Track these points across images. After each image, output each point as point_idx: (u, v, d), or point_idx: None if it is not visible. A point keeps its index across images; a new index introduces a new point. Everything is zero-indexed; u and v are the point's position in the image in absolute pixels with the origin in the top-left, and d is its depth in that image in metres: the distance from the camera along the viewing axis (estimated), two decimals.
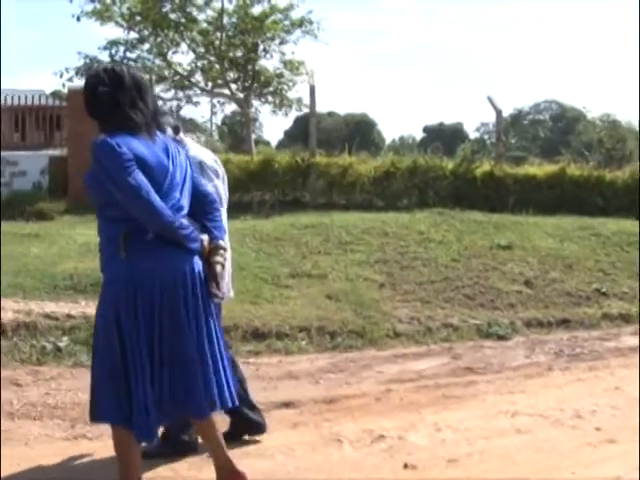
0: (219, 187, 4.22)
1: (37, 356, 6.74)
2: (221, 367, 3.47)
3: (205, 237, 3.45)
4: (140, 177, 3.21)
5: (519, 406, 5.50)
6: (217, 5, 23.09)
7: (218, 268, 3.43)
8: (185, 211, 3.40)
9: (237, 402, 3.64)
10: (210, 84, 25.49)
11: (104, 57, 23.85)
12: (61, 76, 23.11)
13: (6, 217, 12.59)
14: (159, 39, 23.58)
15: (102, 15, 22.69)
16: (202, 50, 24.25)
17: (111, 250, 3.38)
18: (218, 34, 23.26)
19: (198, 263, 3.40)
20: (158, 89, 25.21)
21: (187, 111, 30.54)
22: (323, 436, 4.81)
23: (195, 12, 23.36)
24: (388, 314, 8.22)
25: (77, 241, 10.32)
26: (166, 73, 24.58)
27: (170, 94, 25.75)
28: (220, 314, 4.12)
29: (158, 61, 24.32)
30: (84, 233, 10.91)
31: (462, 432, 4.92)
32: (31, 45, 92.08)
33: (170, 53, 24.11)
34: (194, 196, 3.50)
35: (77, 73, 23.26)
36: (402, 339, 7.79)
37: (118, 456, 3.49)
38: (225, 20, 23.19)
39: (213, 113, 34.57)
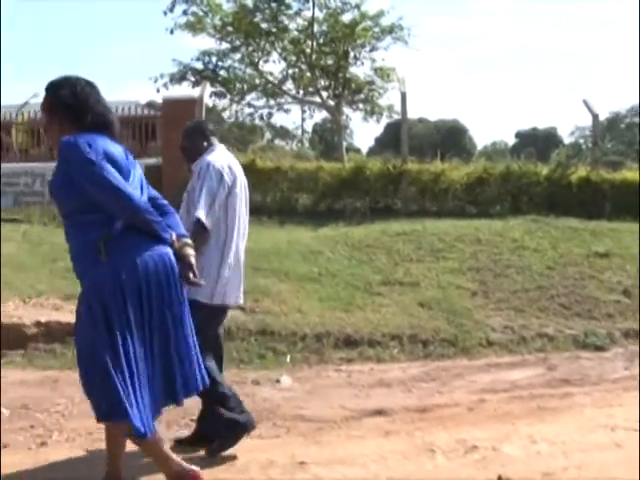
0: (215, 189, 4.31)
1: None
2: (194, 352, 3.52)
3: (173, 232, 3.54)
4: (111, 170, 3.29)
5: (617, 420, 5.32)
6: (308, 14, 23.26)
7: (192, 259, 3.51)
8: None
9: (207, 382, 3.64)
10: (301, 92, 25.69)
11: (197, 66, 24.40)
12: (155, 81, 23.77)
13: None
14: (250, 48, 23.91)
15: (195, 27, 23.15)
16: (293, 58, 24.46)
17: (90, 256, 3.37)
18: (309, 42, 23.42)
19: (170, 256, 3.45)
20: (249, 98, 25.59)
21: (278, 119, 30.86)
22: (416, 445, 4.75)
23: (286, 21, 23.58)
24: (481, 323, 8.10)
25: None
26: (257, 82, 24.89)
27: (261, 102, 26.09)
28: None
29: (249, 70, 24.65)
30: None
31: (558, 445, 4.78)
32: (126, 58, 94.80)
33: (261, 62, 24.42)
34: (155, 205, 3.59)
35: (171, 80, 23.85)
36: (495, 348, 7.67)
37: (109, 450, 3.62)
38: (316, 28, 23.33)
39: (304, 120, 34.84)
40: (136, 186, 3.45)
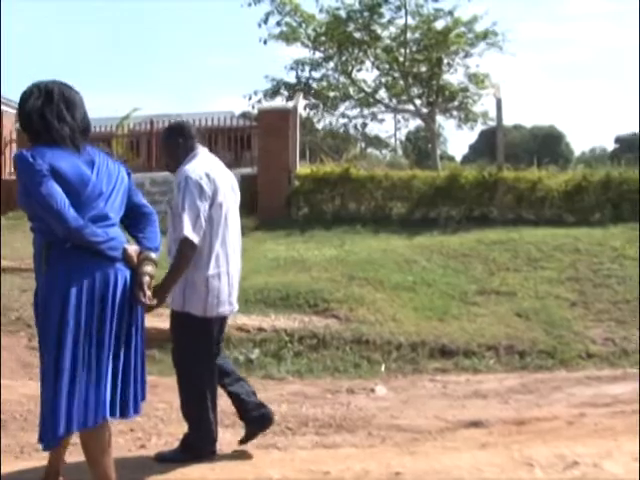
0: (197, 203, 4.18)
1: None
2: (132, 377, 3.49)
3: (134, 247, 3.50)
4: (51, 186, 3.25)
5: None
6: (401, 22, 23.24)
7: (146, 278, 3.44)
8: (112, 220, 3.45)
9: (139, 412, 3.63)
10: (394, 100, 25.64)
11: (290, 77, 24.66)
12: (250, 98, 24.14)
13: None
14: (344, 57, 24.03)
15: (288, 37, 23.40)
16: (386, 67, 24.45)
17: (37, 262, 3.44)
18: (402, 50, 23.38)
19: (122, 270, 3.41)
20: (343, 107, 25.71)
21: (372, 128, 30.77)
22: (513, 458, 4.64)
23: (379, 29, 23.59)
24: (580, 334, 7.89)
25: (267, 256, 10.65)
26: (351, 91, 24.96)
27: (355, 112, 26.16)
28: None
29: (343, 79, 24.76)
30: (274, 249, 11.26)
31: None
32: (221, 70, 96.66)
33: (354, 71, 24.52)
34: (129, 207, 3.58)
35: (265, 95, 24.16)
36: (595, 360, 7.45)
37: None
38: (409, 36, 23.29)
39: (397, 129, 34.78)
40: (96, 197, 3.40)
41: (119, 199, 3.52)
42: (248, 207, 14.71)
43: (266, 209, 14.43)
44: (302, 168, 15.20)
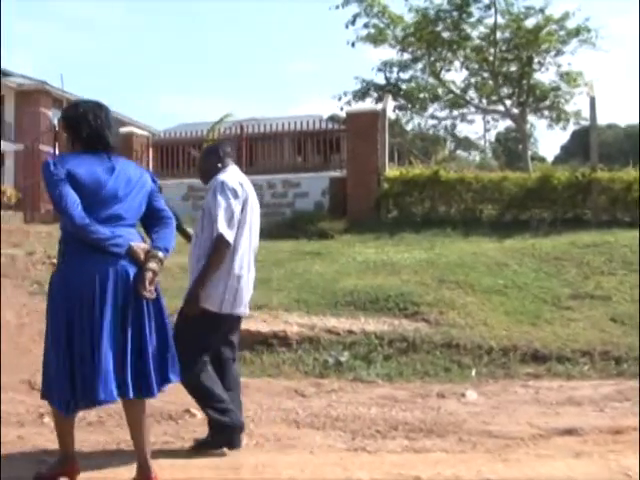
0: (232, 205, 4.49)
1: (319, 369, 7.06)
2: (148, 358, 3.79)
3: (142, 245, 3.84)
4: (64, 189, 3.72)
5: None
6: (490, 21, 22.95)
7: (148, 273, 3.74)
8: (126, 220, 3.86)
9: (156, 393, 3.87)
10: (484, 101, 25.33)
11: (379, 79, 24.64)
12: (339, 99, 24.23)
13: (290, 236, 13.35)
14: (432, 58, 23.87)
15: (376, 39, 23.39)
16: (475, 67, 24.20)
17: (58, 257, 3.93)
18: (491, 50, 23.08)
19: (125, 265, 3.76)
20: (432, 108, 25.55)
21: (461, 129, 30.52)
22: (609, 469, 4.51)
23: (468, 29, 23.35)
24: None
25: (356, 259, 10.68)
26: (440, 92, 24.78)
27: (444, 113, 25.96)
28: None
29: (431, 80, 24.60)
30: (363, 252, 11.28)
31: None
32: (309, 73, 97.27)
33: (443, 71, 24.32)
34: (149, 210, 3.99)
35: (354, 97, 24.20)
36: None
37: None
38: (498, 35, 22.96)
39: (487, 130, 34.35)
40: (111, 199, 3.81)
41: (137, 202, 3.93)
42: (337, 210, 14.82)
43: (355, 212, 14.45)
44: (391, 170, 15.16)
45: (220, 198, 4.50)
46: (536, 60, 23.21)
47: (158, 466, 4.26)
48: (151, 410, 4.84)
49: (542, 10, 22.29)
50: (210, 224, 4.53)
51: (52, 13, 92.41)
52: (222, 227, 4.43)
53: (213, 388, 4.59)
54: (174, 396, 5.96)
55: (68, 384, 3.71)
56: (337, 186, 15.50)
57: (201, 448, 4.63)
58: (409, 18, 23.25)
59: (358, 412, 5.63)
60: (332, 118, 24.09)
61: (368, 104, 22.61)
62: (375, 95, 24.13)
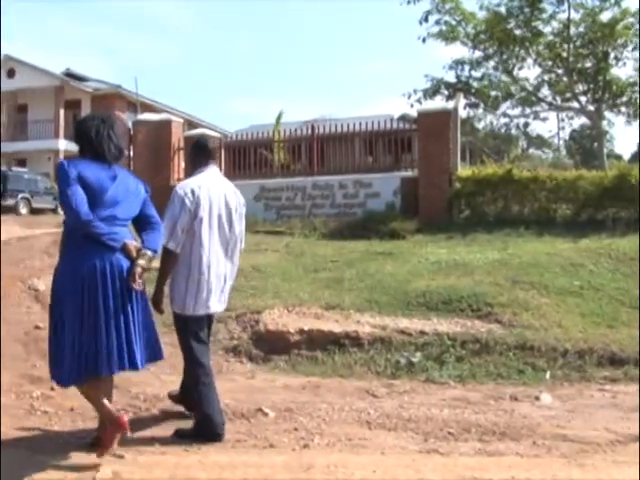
0: (176, 215, 4.81)
1: (391, 370, 7.04)
2: (134, 334, 4.46)
3: (135, 244, 4.53)
4: (74, 188, 4.34)
5: None
6: (563, 16, 22.58)
7: (137, 269, 4.44)
8: (121, 221, 4.53)
9: (142, 364, 4.54)
10: (558, 98, 24.90)
11: (449, 77, 24.44)
12: (409, 97, 24.12)
13: (361, 236, 13.35)
14: (504, 55, 23.58)
15: (447, 36, 23.23)
16: (549, 63, 23.81)
17: (60, 249, 4.62)
18: (565, 46, 22.68)
19: (120, 258, 4.43)
20: (504, 106, 25.21)
21: (534, 127, 30.04)
22: None
23: (540, 25, 23.00)
24: None
25: (428, 259, 10.62)
26: (512, 89, 24.46)
27: (517, 111, 25.60)
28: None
29: (504, 77, 24.30)
30: (435, 252, 11.20)
31: None
32: (379, 72, 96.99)
33: (516, 69, 24.00)
34: (141, 215, 4.67)
35: (425, 94, 24.06)
36: None
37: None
38: (572, 30, 22.56)
39: (561, 128, 33.75)
40: (111, 201, 4.46)
41: (132, 207, 4.60)
42: (409, 210, 14.76)
43: (427, 212, 14.38)
44: (463, 170, 15.04)
45: (169, 210, 4.88)
46: (612, 55, 22.71)
47: (230, 463, 4.34)
48: (222, 407, 4.98)
49: (618, 3, 21.80)
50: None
51: (128, 18, 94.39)
52: (166, 238, 4.80)
53: (206, 391, 4.94)
54: (246, 395, 6.07)
55: (75, 360, 4.32)
56: (408, 186, 15.44)
57: (182, 438, 4.90)
58: (481, 15, 23.03)
59: (430, 413, 5.59)
60: (403, 118, 24.00)
61: (439, 102, 22.45)
62: (445, 93, 23.95)
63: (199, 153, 5.17)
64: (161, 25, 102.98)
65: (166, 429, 5.09)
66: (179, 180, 18.15)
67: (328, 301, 8.67)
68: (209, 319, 5.20)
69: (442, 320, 7.91)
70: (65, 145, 41.61)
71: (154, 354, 4.72)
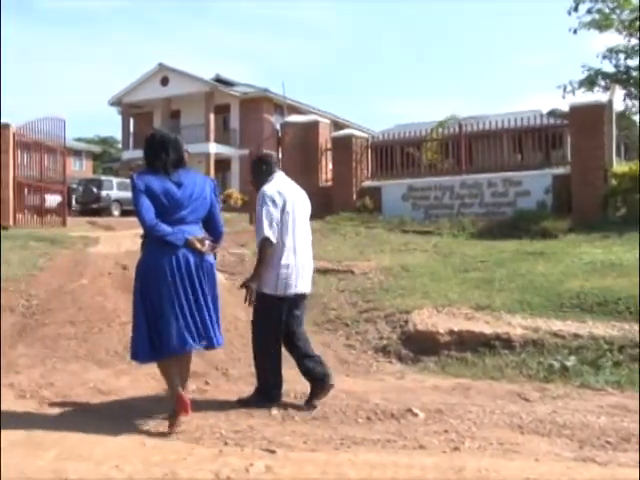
0: (271, 211, 5.65)
1: (544, 373, 6.85)
2: (207, 316, 5.26)
3: (198, 236, 5.26)
4: (142, 198, 5.09)
5: None
6: None
7: (205, 247, 5.28)
8: (191, 221, 5.25)
9: (219, 342, 5.36)
10: None
11: (606, 66, 23.51)
12: (564, 89, 23.38)
13: (511, 235, 13.08)
14: None
15: (600, 24, 22.42)
16: None
17: (141, 247, 5.35)
18: None
19: (185, 252, 5.19)
20: None
21: None
22: None
23: None
24: None
25: (582, 259, 10.28)
26: None
27: None
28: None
29: None
30: (589, 252, 10.82)
31: None
32: (527, 68, 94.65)
33: None
34: (209, 219, 5.44)
35: (580, 86, 23.26)
36: None
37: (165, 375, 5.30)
38: None
39: None
40: (179, 206, 5.19)
41: (201, 208, 5.34)
42: (561, 209, 14.34)
43: (580, 210, 13.93)
44: (619, 166, 14.47)
45: (262, 206, 5.67)
46: None
47: (381, 463, 4.35)
48: (371, 407, 5.00)
49: None
50: (260, 228, 5.67)
51: (273, 23, 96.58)
52: (266, 230, 5.61)
53: (274, 356, 5.80)
54: (396, 395, 6.08)
55: (150, 342, 5.13)
56: (561, 184, 15.00)
57: (244, 404, 5.73)
58: (636, 1, 22.04)
59: (586, 420, 5.40)
60: (552, 113, 23.32)
61: (592, 95, 21.69)
62: (602, 84, 23.08)
63: (267, 166, 5.97)
64: (305, 28, 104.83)
65: (313, 426, 5.17)
66: (327, 181, 18.40)
67: (478, 302, 8.55)
68: (300, 298, 5.93)
69: (597, 323, 7.62)
70: (215, 148, 43.17)
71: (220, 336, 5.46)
